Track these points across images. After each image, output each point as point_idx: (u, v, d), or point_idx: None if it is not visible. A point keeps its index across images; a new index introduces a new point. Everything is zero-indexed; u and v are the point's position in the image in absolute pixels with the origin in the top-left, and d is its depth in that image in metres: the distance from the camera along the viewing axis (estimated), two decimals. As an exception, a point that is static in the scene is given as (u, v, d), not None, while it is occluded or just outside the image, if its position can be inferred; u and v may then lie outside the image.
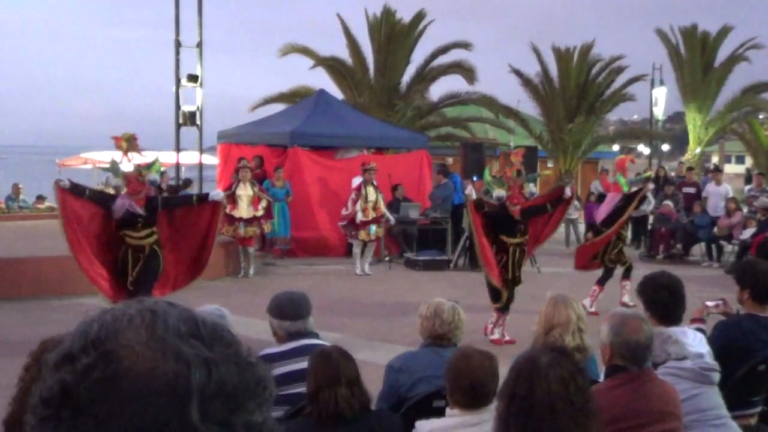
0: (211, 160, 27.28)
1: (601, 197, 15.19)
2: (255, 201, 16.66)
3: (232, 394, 1.10)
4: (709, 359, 4.86)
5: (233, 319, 5.16)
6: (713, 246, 20.04)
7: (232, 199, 16.43)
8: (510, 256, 10.91)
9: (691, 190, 22.05)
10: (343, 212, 17.53)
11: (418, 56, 29.50)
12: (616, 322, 4.26)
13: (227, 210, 16.18)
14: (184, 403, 1.07)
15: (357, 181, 19.45)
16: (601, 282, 13.66)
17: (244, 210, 16.55)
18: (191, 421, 1.06)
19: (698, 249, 20.38)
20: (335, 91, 27.23)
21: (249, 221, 16.59)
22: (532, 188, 11.07)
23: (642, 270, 13.94)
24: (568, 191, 11.73)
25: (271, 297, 5.51)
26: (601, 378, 4.54)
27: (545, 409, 3.04)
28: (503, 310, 11.11)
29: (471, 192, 11.44)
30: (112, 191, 11.63)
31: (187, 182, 22.68)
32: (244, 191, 16.57)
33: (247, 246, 16.82)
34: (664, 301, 5.13)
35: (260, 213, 16.69)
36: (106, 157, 36.13)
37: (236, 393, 1.11)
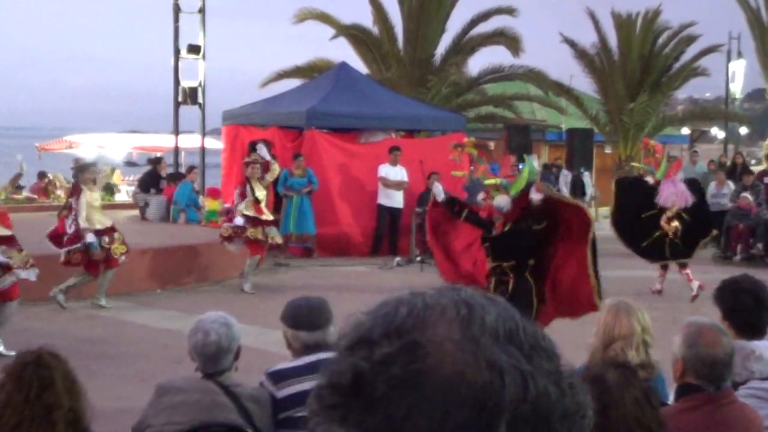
0: (215, 144, 27.38)
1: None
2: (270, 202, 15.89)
3: (546, 418, 1.07)
4: (799, 379, 4.80)
5: (241, 328, 5.15)
6: (800, 246, 19.89)
7: (256, 200, 15.48)
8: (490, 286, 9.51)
9: (774, 180, 21.86)
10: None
11: (455, 24, 29.45)
12: (691, 332, 4.19)
13: (252, 212, 15.37)
14: (491, 421, 1.04)
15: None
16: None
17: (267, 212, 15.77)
18: None
19: (782, 249, 20.21)
20: (359, 65, 27.25)
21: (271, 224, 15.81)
22: (501, 201, 9.74)
23: (716, 274, 13.91)
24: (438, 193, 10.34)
25: (286, 303, 5.50)
26: (671, 399, 4.48)
27: None
28: None
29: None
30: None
31: (190, 169, 22.74)
32: (260, 191, 15.67)
33: (256, 254, 15.77)
34: (748, 310, 5.05)
35: (270, 217, 15.87)
36: (93, 140, 36.45)
37: (551, 417, 1.07)
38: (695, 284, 14.60)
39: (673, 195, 14.79)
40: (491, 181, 9.68)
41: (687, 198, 14.82)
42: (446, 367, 1.05)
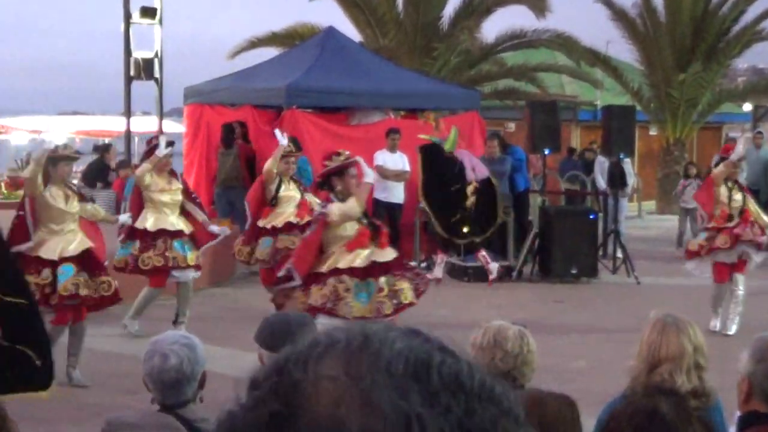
0: (176, 127, 27.35)
1: None
2: (303, 205, 14.90)
3: None
4: None
5: (207, 350, 5.14)
6: None
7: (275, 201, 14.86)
8: None
9: None
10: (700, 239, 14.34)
11: (467, -20, 29.45)
12: (761, 346, 4.19)
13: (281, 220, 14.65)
14: None
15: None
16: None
17: (286, 215, 14.88)
18: None
19: None
20: (349, 30, 27.25)
21: (287, 230, 14.76)
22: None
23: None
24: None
25: (262, 320, 5.50)
26: (731, 433, 4.48)
27: None
28: None
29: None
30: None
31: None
32: (288, 191, 14.99)
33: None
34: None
35: (304, 221, 14.45)
36: (28, 124, 36.46)
37: None
38: (494, 266, 16.03)
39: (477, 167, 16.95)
40: None
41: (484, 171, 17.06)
42: (319, 408, 1.11)
